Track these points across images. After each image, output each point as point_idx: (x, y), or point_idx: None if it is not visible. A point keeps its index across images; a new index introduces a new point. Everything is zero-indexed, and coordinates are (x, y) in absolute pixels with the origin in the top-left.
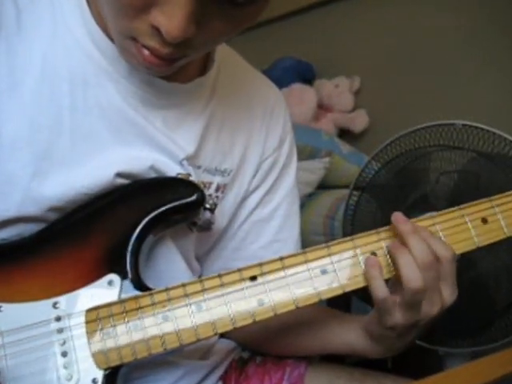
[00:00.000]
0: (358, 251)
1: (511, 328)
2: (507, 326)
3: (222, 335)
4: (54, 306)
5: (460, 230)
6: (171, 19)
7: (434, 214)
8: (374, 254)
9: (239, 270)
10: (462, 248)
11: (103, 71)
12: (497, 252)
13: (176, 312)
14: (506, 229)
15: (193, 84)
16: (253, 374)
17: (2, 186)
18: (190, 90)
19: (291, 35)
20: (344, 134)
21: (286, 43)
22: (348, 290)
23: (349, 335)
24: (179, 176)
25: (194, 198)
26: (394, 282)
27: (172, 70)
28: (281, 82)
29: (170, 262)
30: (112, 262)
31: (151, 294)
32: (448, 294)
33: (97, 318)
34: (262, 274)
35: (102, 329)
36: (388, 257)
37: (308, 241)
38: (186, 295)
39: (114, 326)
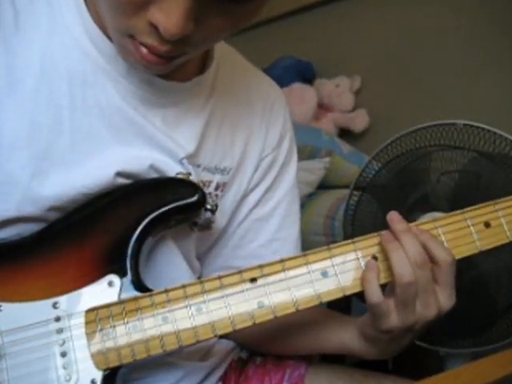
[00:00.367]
0: (359, 254)
1: None
2: (508, 327)
3: (222, 336)
4: (54, 306)
5: (462, 233)
6: (169, 16)
7: (436, 214)
8: (375, 257)
9: (239, 272)
10: (464, 252)
11: (102, 70)
12: (498, 253)
13: (176, 313)
14: (509, 233)
15: (192, 82)
16: (253, 374)
17: (1, 186)
18: (189, 89)
19: (291, 34)
20: (344, 133)
21: (286, 42)
22: (349, 292)
23: (345, 336)
24: (180, 176)
25: (194, 198)
26: (391, 284)
27: (170, 68)
28: (281, 81)
29: (170, 262)
30: (112, 263)
31: (151, 295)
32: (445, 298)
33: (96, 318)
34: (263, 276)
35: (101, 329)
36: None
37: (308, 241)
38: (186, 296)
39: (114, 326)
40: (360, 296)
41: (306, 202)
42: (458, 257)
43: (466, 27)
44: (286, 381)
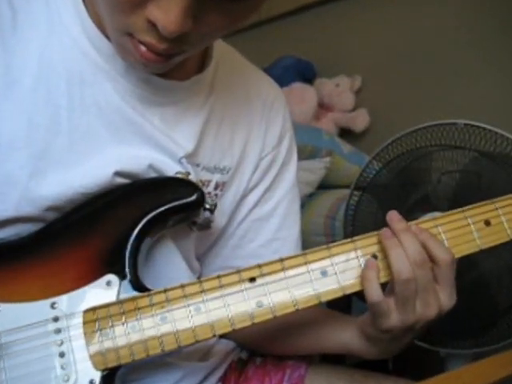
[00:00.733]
0: (359, 253)
1: None
2: (509, 327)
3: (221, 336)
4: (52, 306)
5: (463, 232)
6: (167, 14)
7: (437, 214)
8: (374, 255)
9: (238, 272)
10: (464, 250)
11: (100, 69)
12: (499, 252)
13: (174, 313)
14: (510, 231)
15: (191, 81)
16: (252, 375)
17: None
18: (188, 88)
19: (292, 34)
20: (345, 133)
21: (286, 42)
22: (348, 292)
23: (345, 335)
24: (178, 175)
25: (193, 197)
26: (391, 283)
27: (169, 67)
28: (281, 80)
29: (169, 262)
30: (110, 263)
31: (150, 295)
32: (446, 297)
33: (95, 318)
34: (262, 276)
35: (99, 329)
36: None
37: (309, 241)
38: (185, 296)
39: (112, 326)
40: (360, 295)
41: (306, 202)
42: (458, 255)
43: (467, 26)
44: (285, 381)
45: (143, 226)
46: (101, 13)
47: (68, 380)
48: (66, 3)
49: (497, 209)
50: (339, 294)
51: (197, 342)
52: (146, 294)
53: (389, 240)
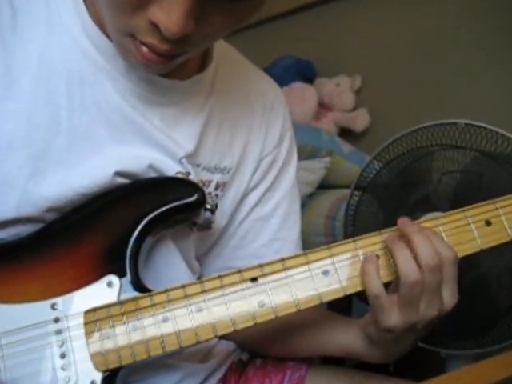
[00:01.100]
0: (360, 253)
1: None
2: (510, 328)
3: (222, 336)
4: (52, 307)
5: (463, 231)
6: (170, 15)
7: (438, 214)
8: (376, 256)
9: (239, 271)
10: (465, 250)
11: (100, 69)
12: (500, 252)
13: (176, 313)
14: (510, 231)
15: (191, 81)
16: (253, 376)
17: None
18: (188, 87)
19: (292, 33)
20: (345, 133)
21: (286, 41)
22: (350, 292)
23: (347, 337)
24: (179, 175)
25: (194, 198)
26: (395, 284)
27: (171, 67)
28: (281, 80)
29: (170, 263)
30: (111, 263)
31: (151, 295)
32: (448, 297)
33: (95, 319)
34: (263, 275)
35: (100, 330)
36: (390, 259)
37: (309, 241)
38: (186, 296)
39: (113, 327)
40: (361, 296)
41: (306, 202)
42: (459, 255)
43: (468, 26)
44: (286, 382)
45: (144, 227)
46: (102, 13)
47: (69, 381)
48: (67, 3)
49: (497, 208)
50: (340, 294)
51: (198, 342)
52: (146, 294)
53: (394, 243)
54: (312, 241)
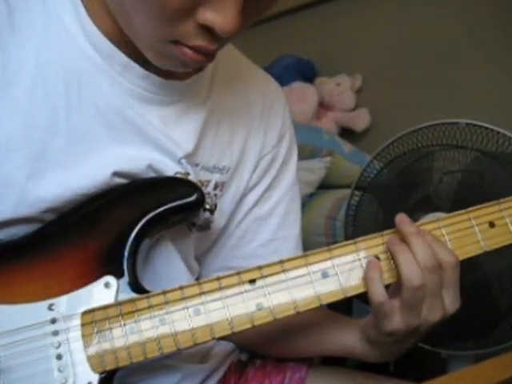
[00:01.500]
0: (361, 254)
1: None
2: (511, 329)
3: (221, 337)
4: (50, 307)
5: (466, 233)
6: (225, 15)
7: (439, 214)
8: (377, 257)
9: (238, 273)
10: (468, 252)
11: (98, 69)
12: (501, 253)
13: (173, 315)
14: None
15: (190, 80)
16: (252, 377)
17: None
18: (187, 87)
19: (292, 33)
20: (345, 133)
21: (286, 41)
22: (350, 294)
23: (346, 337)
24: (178, 175)
25: (193, 198)
26: (395, 286)
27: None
28: (281, 79)
29: (168, 264)
30: (109, 264)
31: (148, 297)
32: (450, 301)
33: (92, 320)
34: (262, 277)
35: (97, 332)
36: (391, 261)
37: (309, 241)
38: (184, 298)
39: (110, 328)
40: (362, 298)
41: (306, 202)
42: (462, 257)
43: (469, 25)
44: (286, 383)
45: (142, 227)
46: (136, 27)
47: (65, 382)
48: (65, 2)
49: (501, 210)
50: (340, 297)
51: (196, 344)
52: (144, 295)
53: (397, 246)
54: (312, 241)
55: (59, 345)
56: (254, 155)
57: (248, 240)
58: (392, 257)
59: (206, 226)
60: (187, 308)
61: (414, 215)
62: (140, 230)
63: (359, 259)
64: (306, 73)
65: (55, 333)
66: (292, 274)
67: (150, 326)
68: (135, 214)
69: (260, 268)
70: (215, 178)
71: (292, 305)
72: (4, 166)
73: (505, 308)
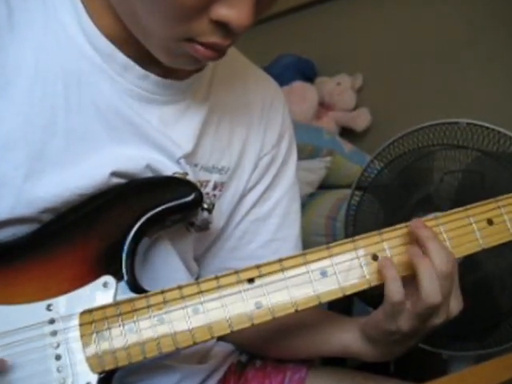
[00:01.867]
0: (360, 253)
1: None
2: None
3: (220, 338)
4: (48, 308)
5: (464, 231)
6: (240, 11)
7: (439, 214)
8: (375, 256)
9: (236, 272)
10: (466, 250)
11: (98, 68)
12: (502, 253)
13: (172, 315)
14: None
15: (189, 80)
16: (252, 377)
17: None
18: (186, 87)
19: (292, 32)
20: (346, 132)
21: (286, 40)
22: (348, 293)
23: (346, 337)
24: (176, 175)
25: (191, 197)
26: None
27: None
28: (281, 79)
29: (167, 264)
30: (107, 264)
31: (147, 297)
32: (455, 304)
33: (91, 320)
34: (260, 276)
35: (96, 332)
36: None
37: (309, 241)
38: (183, 297)
39: (109, 328)
40: (361, 296)
41: (306, 202)
42: (460, 255)
43: (469, 25)
44: None
45: (140, 227)
46: (148, 27)
47: (64, 382)
48: (64, 2)
49: (499, 207)
50: (339, 295)
51: (195, 343)
52: (143, 295)
53: (420, 258)
54: (312, 241)
55: (58, 345)
56: (253, 155)
57: (247, 241)
58: (414, 268)
59: (205, 227)
60: (186, 307)
61: (415, 215)
62: (138, 229)
63: (358, 257)
64: (307, 72)
65: (54, 333)
66: (291, 272)
67: (148, 325)
68: (133, 214)
69: (258, 267)
70: (214, 178)
71: (291, 303)
72: (2, 166)
73: (506, 308)
